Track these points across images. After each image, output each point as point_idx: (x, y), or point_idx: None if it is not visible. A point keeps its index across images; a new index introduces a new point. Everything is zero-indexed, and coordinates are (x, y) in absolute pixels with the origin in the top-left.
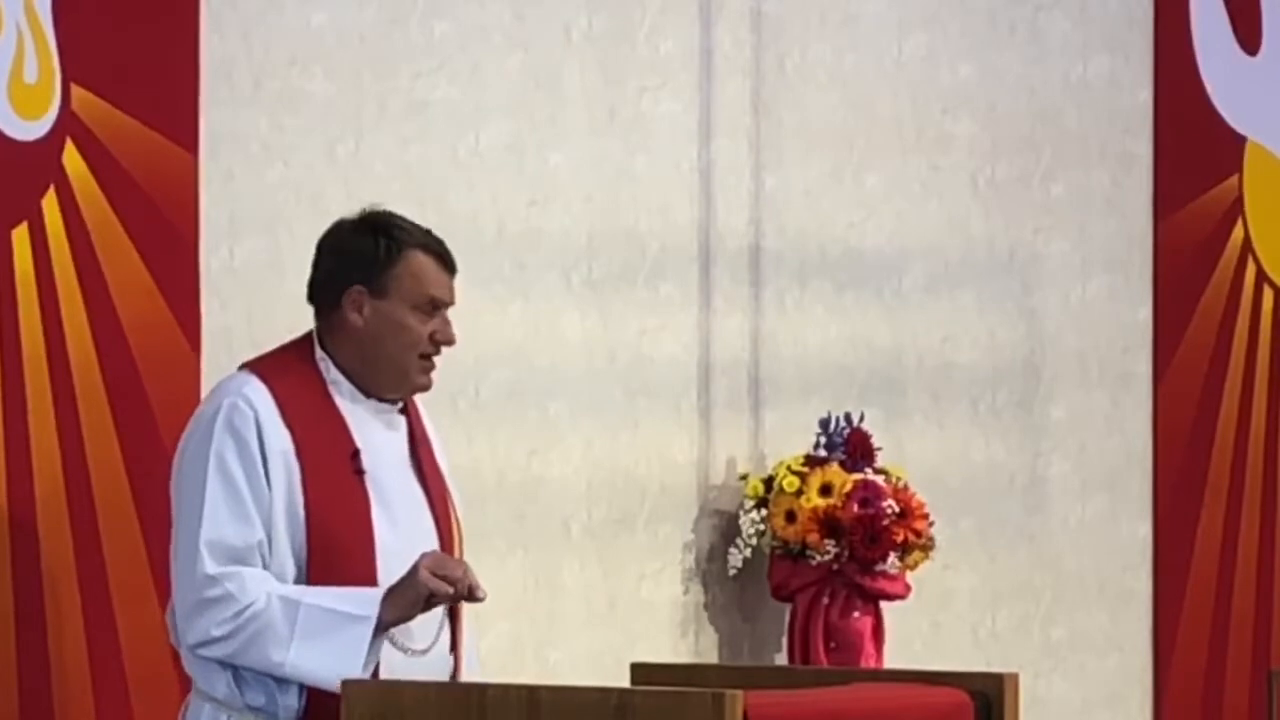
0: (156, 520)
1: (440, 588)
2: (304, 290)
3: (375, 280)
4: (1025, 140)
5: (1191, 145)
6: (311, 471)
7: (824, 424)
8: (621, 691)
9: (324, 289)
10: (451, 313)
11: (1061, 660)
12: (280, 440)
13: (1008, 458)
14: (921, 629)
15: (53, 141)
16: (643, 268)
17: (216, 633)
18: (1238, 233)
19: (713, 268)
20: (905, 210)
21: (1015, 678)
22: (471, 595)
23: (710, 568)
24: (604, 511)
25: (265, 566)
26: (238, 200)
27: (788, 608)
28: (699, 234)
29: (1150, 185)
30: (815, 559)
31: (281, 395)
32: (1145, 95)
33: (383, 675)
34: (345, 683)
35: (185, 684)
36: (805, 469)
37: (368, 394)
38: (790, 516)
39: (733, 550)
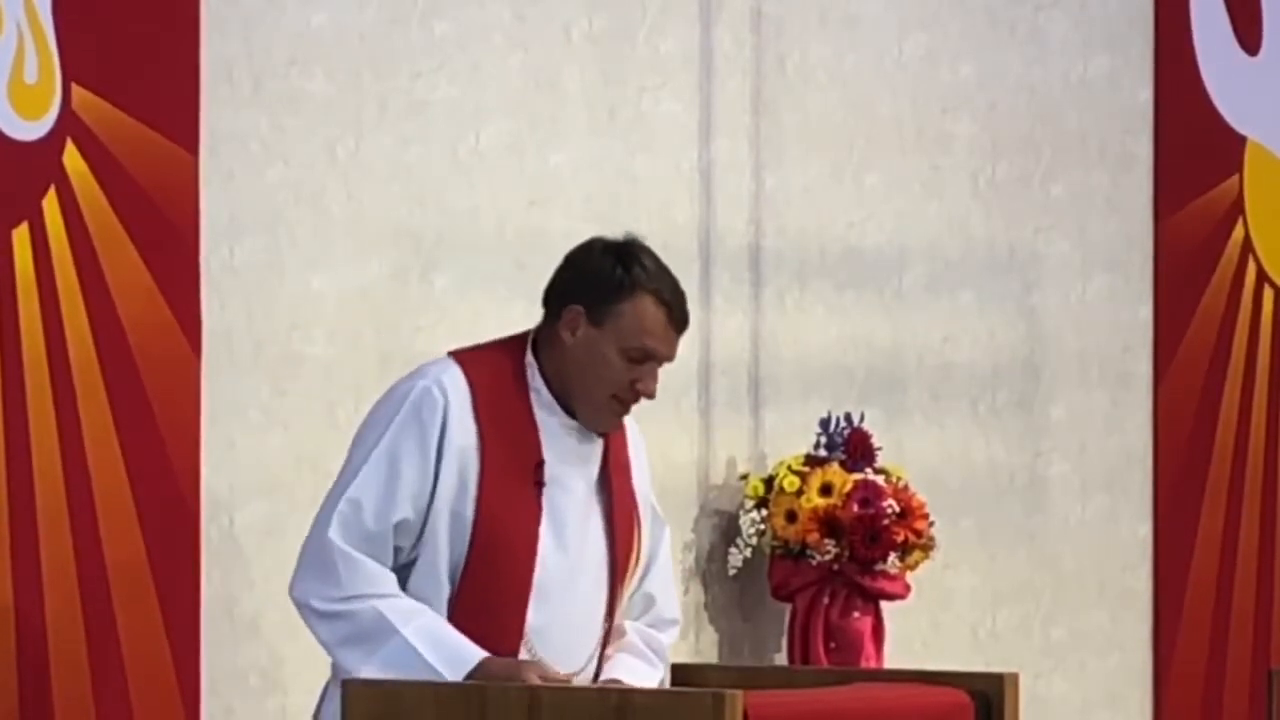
0: (157, 519)
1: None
2: (305, 290)
3: (597, 307)
4: (1025, 140)
5: (1191, 145)
6: (490, 472)
7: (824, 424)
8: (621, 691)
9: (552, 298)
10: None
11: (1061, 660)
12: (464, 435)
13: (1008, 458)
14: (921, 629)
15: (53, 141)
16: None
17: (315, 604)
18: (1238, 233)
19: (713, 268)
20: (905, 210)
21: (1015, 678)
22: None
23: (710, 568)
24: None
25: (396, 553)
26: (238, 200)
27: (788, 608)
28: (699, 234)
29: (1150, 185)
30: (815, 559)
31: (479, 390)
32: (1145, 95)
33: None
34: (345, 682)
35: (185, 684)
36: (805, 469)
37: (565, 410)
38: (790, 516)
39: (733, 550)
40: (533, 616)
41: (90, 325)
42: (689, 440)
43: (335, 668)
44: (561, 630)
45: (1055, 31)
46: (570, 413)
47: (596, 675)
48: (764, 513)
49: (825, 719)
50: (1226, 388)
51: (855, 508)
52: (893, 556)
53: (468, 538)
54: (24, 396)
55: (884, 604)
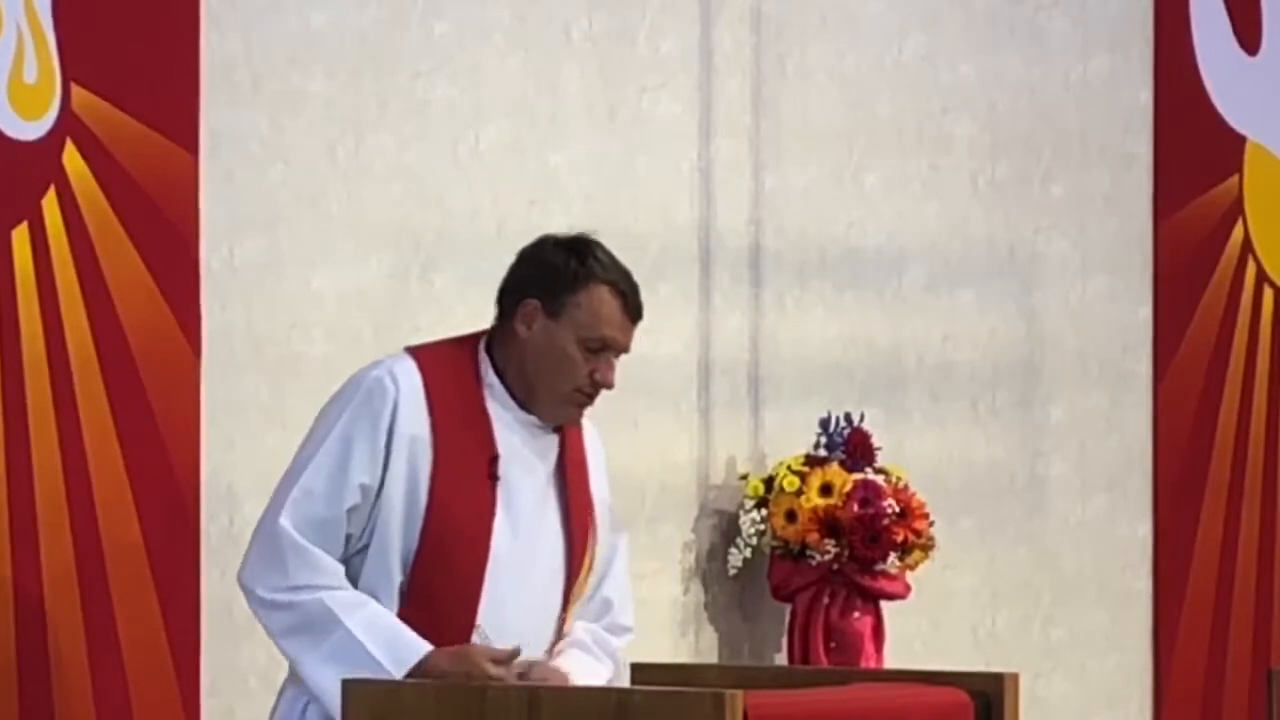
0: (157, 519)
1: (500, 678)
2: (305, 290)
3: (553, 299)
4: (1025, 140)
5: (1191, 145)
6: (444, 464)
7: (824, 424)
8: (621, 691)
9: (506, 294)
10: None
11: (1061, 660)
12: (415, 425)
13: (1008, 458)
14: (921, 629)
15: (53, 141)
16: (643, 268)
17: (261, 592)
18: (1238, 233)
19: (713, 268)
20: (905, 210)
21: (1015, 678)
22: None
23: (710, 568)
24: None
25: (348, 540)
26: (238, 200)
27: (788, 608)
28: (699, 234)
29: (1150, 185)
30: (815, 559)
31: (432, 382)
32: (1145, 95)
33: None
34: (345, 682)
35: (185, 684)
36: (805, 469)
37: (520, 405)
38: (790, 516)
39: (733, 550)
40: (485, 608)
41: (90, 325)
42: (689, 440)
43: (292, 666)
44: (515, 622)
45: (1055, 31)
46: (524, 407)
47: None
48: (764, 513)
49: (825, 719)
50: (1226, 388)
51: (855, 508)
52: (893, 556)
53: (419, 527)
54: (24, 396)
55: (884, 604)
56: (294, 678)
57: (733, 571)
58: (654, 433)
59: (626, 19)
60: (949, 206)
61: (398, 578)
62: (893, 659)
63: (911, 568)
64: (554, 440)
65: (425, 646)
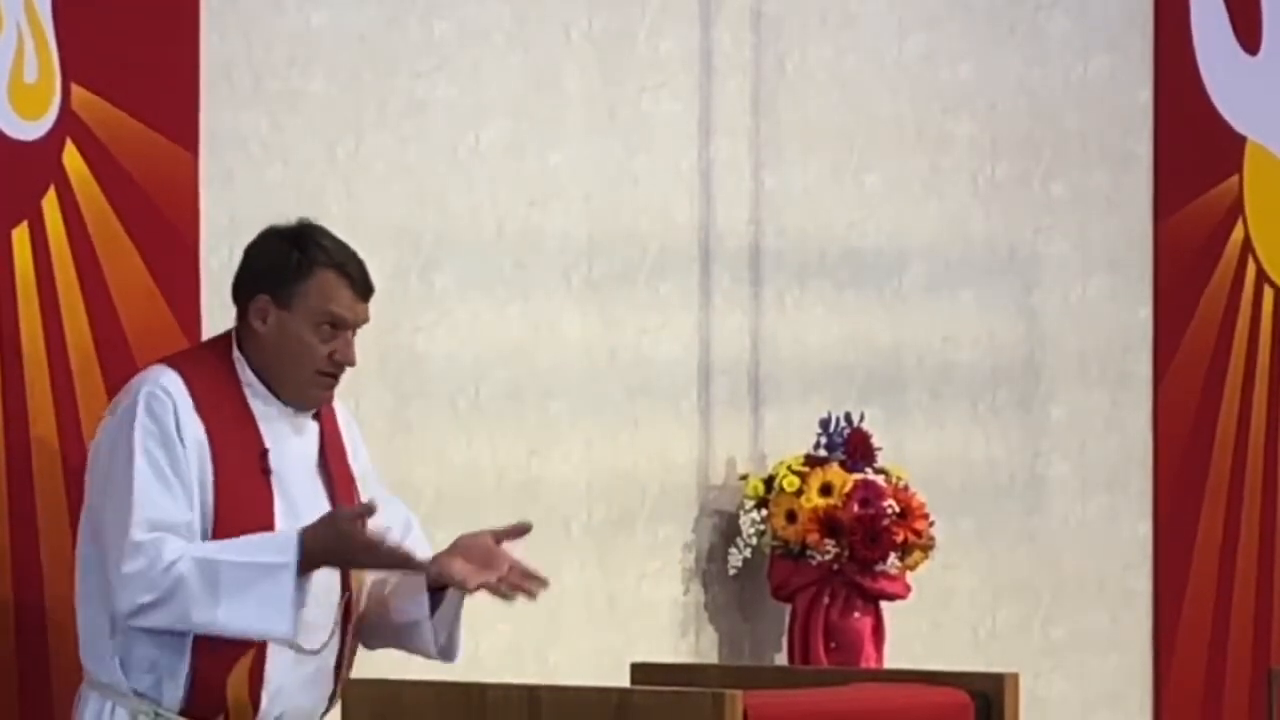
0: None
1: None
2: None
3: (281, 291)
4: (1025, 140)
5: (1191, 145)
6: (222, 465)
7: (824, 424)
8: (621, 691)
9: (239, 292)
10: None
11: (1061, 660)
12: (195, 430)
13: (1008, 457)
14: (921, 629)
15: (53, 141)
16: (643, 268)
17: (143, 599)
18: (1238, 233)
19: (713, 268)
20: (905, 210)
21: (1015, 678)
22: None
23: (710, 568)
24: (604, 511)
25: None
26: (238, 200)
27: (788, 608)
28: (699, 234)
29: (1150, 185)
30: (815, 559)
31: (196, 389)
32: (1145, 95)
33: (268, 670)
34: (347, 682)
35: None
36: (805, 469)
37: (278, 397)
38: (790, 516)
39: (733, 550)
40: None
41: (90, 325)
42: (689, 440)
43: (88, 674)
44: (307, 608)
45: (1055, 31)
46: (281, 398)
47: (340, 650)
48: (764, 513)
49: (825, 719)
50: (1226, 388)
51: (855, 508)
52: (893, 556)
53: (211, 531)
54: (24, 396)
55: (884, 604)
56: (94, 685)
57: (733, 571)
58: (654, 433)
59: (626, 19)
60: (949, 206)
61: None
62: (893, 659)
63: (911, 568)
64: (314, 428)
65: (291, 533)
